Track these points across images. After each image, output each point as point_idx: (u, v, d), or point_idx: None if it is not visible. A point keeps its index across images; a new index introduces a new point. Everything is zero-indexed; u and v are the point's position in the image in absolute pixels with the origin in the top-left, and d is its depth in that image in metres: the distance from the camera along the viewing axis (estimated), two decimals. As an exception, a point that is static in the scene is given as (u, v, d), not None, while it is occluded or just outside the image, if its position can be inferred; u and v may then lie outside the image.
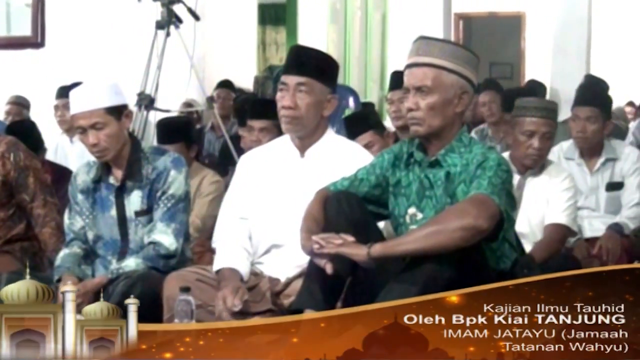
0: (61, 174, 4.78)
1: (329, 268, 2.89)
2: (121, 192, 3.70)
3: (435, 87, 3.00)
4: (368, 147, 4.37)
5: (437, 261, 2.80)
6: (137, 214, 3.69)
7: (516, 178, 4.09)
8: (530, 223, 4.09)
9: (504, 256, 3.03)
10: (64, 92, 6.01)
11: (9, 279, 3.64)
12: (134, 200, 3.69)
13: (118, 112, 3.64)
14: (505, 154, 4.09)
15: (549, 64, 8.36)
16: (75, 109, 3.64)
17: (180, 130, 4.88)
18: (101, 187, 3.73)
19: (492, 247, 2.96)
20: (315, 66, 3.49)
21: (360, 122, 4.68)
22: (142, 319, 3.45)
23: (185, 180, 3.72)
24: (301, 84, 3.46)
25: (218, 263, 3.50)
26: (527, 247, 3.59)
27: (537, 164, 4.13)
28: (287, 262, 3.46)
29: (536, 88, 6.94)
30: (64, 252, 3.73)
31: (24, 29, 8.29)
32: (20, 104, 7.15)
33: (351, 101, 7.13)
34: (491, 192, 2.87)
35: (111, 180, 3.71)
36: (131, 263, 3.59)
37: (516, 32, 11.46)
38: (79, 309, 3.45)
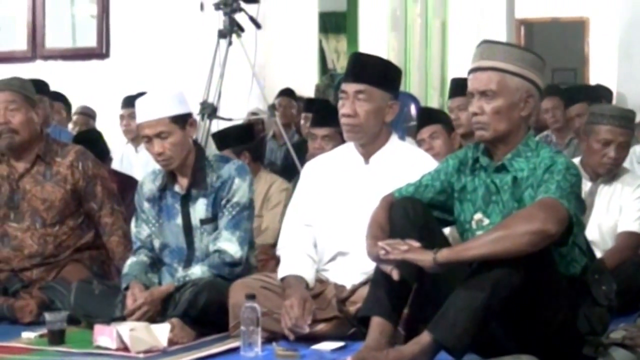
0: (126, 183, 4.81)
1: (395, 274, 2.87)
2: (186, 200, 3.72)
3: (500, 90, 2.97)
4: (433, 138, 4.44)
5: (505, 266, 2.76)
6: (202, 222, 3.70)
7: (587, 185, 4.04)
8: (602, 230, 4.03)
9: (574, 261, 2.98)
10: (129, 102, 6.08)
11: (78, 287, 3.68)
12: (199, 209, 3.71)
13: (183, 120, 3.67)
14: (576, 160, 4.03)
15: (614, 68, 8.23)
16: (140, 118, 3.67)
17: (236, 135, 4.98)
18: (167, 196, 3.76)
19: (561, 252, 2.92)
20: (374, 73, 3.48)
21: (433, 114, 4.75)
22: (208, 326, 3.48)
23: (250, 188, 3.73)
24: (360, 92, 3.46)
25: (283, 270, 3.51)
26: (598, 255, 3.54)
27: (612, 173, 4.08)
28: (353, 269, 3.45)
29: (602, 93, 6.82)
30: (131, 260, 3.76)
31: (89, 40, 8.40)
32: (87, 114, 7.25)
33: (413, 108, 7.09)
34: (560, 196, 2.83)
35: (176, 188, 3.74)
36: (197, 271, 3.60)
37: (579, 37, 11.30)
38: (146, 317, 3.49)
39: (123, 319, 3.49)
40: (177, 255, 3.74)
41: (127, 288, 3.62)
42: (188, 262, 3.71)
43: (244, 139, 5.01)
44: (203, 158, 3.74)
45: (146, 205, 3.79)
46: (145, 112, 3.66)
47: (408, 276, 2.91)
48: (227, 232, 3.66)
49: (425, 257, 2.83)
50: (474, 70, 3.03)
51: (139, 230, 3.80)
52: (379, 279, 2.99)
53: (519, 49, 3.11)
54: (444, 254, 2.82)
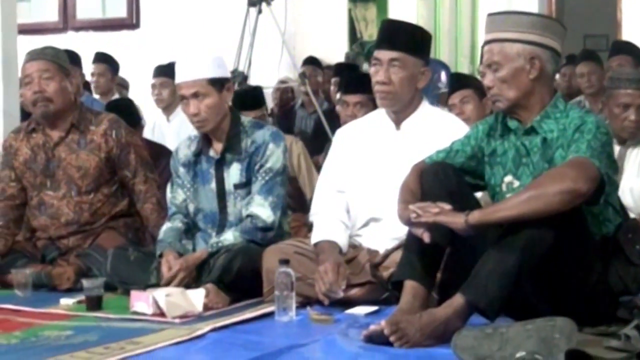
0: (158, 152, 4.83)
1: (426, 237, 2.88)
2: (221, 165, 3.75)
3: (501, 60, 2.99)
4: (463, 103, 4.47)
5: (536, 226, 2.76)
6: (236, 186, 3.73)
7: (616, 149, 4.02)
8: (633, 194, 4.03)
9: (607, 220, 2.99)
10: (161, 71, 6.11)
11: (114, 254, 3.72)
12: (233, 173, 3.73)
13: (220, 84, 3.69)
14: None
15: (646, 34, 8.13)
16: (179, 78, 3.71)
17: (258, 97, 5.03)
18: (202, 160, 3.79)
19: (594, 211, 2.92)
20: (407, 40, 3.49)
21: (464, 79, 4.77)
22: (242, 291, 3.51)
23: (284, 155, 3.74)
24: (394, 59, 3.47)
25: (316, 236, 3.53)
26: (631, 218, 3.52)
27: (635, 136, 4.08)
28: (385, 235, 3.46)
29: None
30: (166, 225, 3.80)
31: (119, 11, 8.43)
32: (120, 85, 7.29)
33: (443, 75, 7.06)
34: (590, 155, 2.83)
35: (211, 153, 3.77)
36: (230, 237, 3.63)
37: (612, 3, 11.16)
38: (182, 284, 3.53)
39: (158, 285, 3.52)
40: (210, 219, 3.77)
41: (161, 255, 3.65)
42: (221, 227, 3.74)
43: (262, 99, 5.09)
44: (238, 124, 3.76)
45: (181, 170, 3.82)
46: (184, 72, 3.69)
47: (440, 239, 2.92)
48: (259, 197, 3.68)
49: (456, 219, 2.84)
50: (482, 46, 3.08)
51: (175, 195, 3.84)
52: (411, 244, 3.00)
53: (517, 14, 3.09)
54: (475, 216, 2.82)
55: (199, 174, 3.79)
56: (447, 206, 2.88)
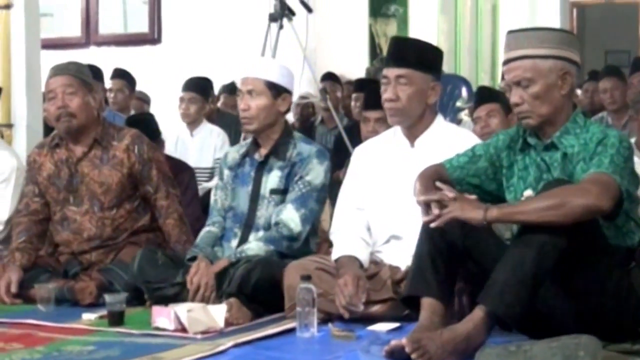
0: (178, 167, 4.85)
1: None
2: (262, 168, 3.81)
3: (534, 76, 2.98)
4: (489, 116, 4.49)
5: (549, 231, 2.77)
6: (273, 191, 3.78)
7: (640, 165, 4.02)
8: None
9: (630, 232, 2.99)
10: (190, 86, 6.13)
11: (143, 255, 3.72)
12: (273, 179, 3.78)
13: (277, 90, 3.79)
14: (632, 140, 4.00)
15: (668, 49, 8.11)
16: (243, 73, 3.84)
17: None
18: (245, 163, 3.87)
19: (617, 224, 2.93)
20: (414, 57, 3.50)
21: (492, 93, 4.77)
22: (261, 304, 3.50)
23: (325, 174, 3.78)
24: (400, 76, 3.49)
25: (336, 252, 3.53)
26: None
27: None
28: (406, 252, 3.43)
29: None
30: (204, 230, 3.88)
31: (141, 26, 8.49)
32: (141, 99, 7.32)
33: (464, 90, 7.06)
34: (613, 171, 2.84)
35: (256, 156, 3.84)
36: (254, 246, 3.66)
37: (633, 19, 11.14)
38: (208, 292, 3.55)
39: (184, 284, 3.58)
40: (239, 219, 3.82)
41: (191, 259, 3.70)
42: (247, 227, 3.78)
43: None
44: (289, 135, 3.84)
45: (227, 172, 3.92)
46: (249, 69, 3.83)
47: (455, 234, 2.93)
48: (292, 206, 3.71)
49: (474, 215, 2.86)
50: (506, 63, 3.06)
51: (216, 199, 3.93)
52: (423, 256, 3.00)
53: (543, 30, 3.10)
54: (493, 213, 2.85)
55: (240, 175, 3.87)
56: (458, 194, 2.90)
